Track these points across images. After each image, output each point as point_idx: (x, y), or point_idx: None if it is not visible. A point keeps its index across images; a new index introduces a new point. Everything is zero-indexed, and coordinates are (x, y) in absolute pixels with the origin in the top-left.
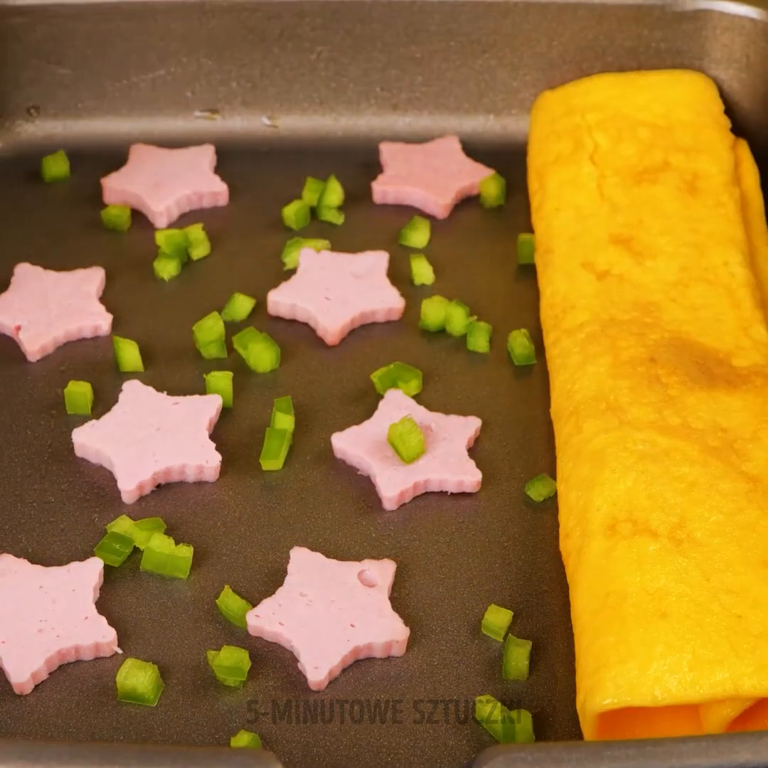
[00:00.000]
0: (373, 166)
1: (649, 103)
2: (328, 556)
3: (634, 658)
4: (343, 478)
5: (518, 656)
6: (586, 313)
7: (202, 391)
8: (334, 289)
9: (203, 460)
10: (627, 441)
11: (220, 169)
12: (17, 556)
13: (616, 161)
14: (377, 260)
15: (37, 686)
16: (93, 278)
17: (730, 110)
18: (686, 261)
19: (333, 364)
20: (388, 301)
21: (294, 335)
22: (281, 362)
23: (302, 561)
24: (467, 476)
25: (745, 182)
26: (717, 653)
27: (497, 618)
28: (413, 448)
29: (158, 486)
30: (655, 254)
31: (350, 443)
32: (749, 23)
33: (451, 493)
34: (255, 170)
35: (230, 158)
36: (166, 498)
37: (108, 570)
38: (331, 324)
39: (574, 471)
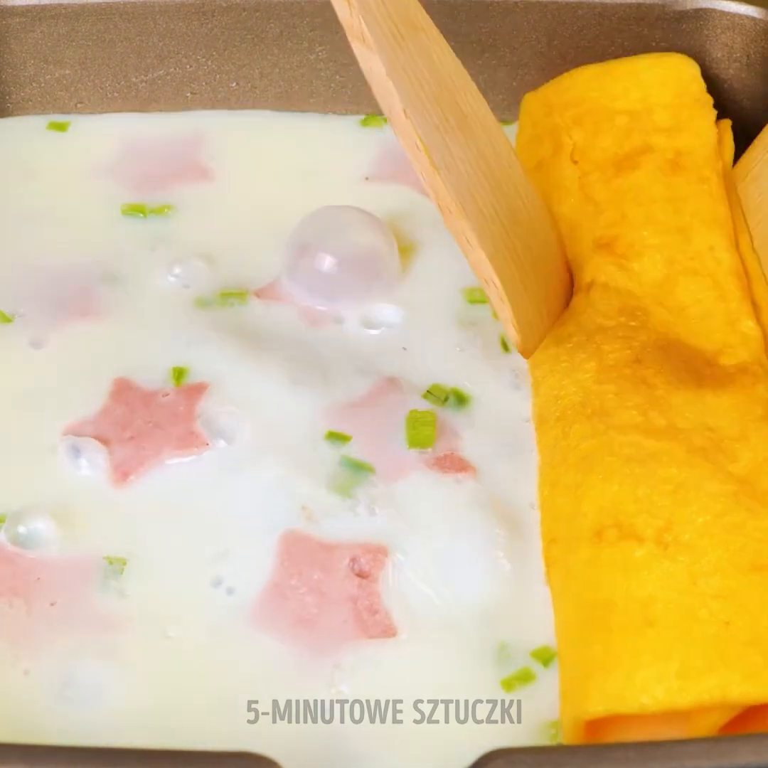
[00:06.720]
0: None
1: (626, 90)
2: (319, 540)
3: (621, 666)
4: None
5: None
6: (572, 326)
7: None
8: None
9: (194, 452)
10: (613, 445)
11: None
12: (13, 544)
13: (595, 155)
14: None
15: None
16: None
17: (730, 110)
18: (672, 252)
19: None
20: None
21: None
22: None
23: (293, 546)
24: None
25: (726, 160)
26: (705, 661)
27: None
28: (420, 440)
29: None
30: (639, 251)
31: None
32: (750, 22)
33: (443, 479)
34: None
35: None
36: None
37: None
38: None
39: (560, 476)
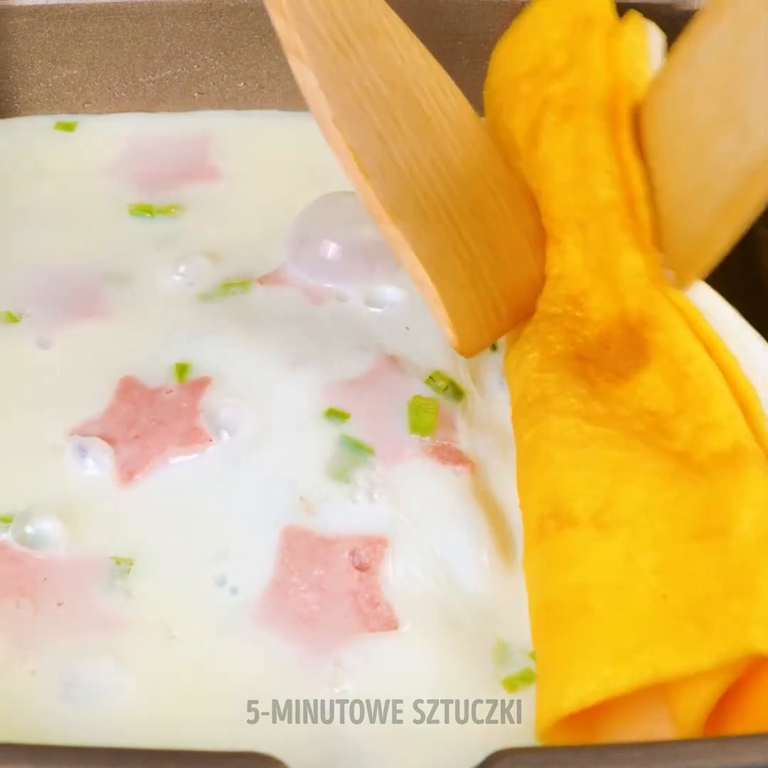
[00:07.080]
0: None
1: (528, 48)
2: (319, 534)
3: (560, 663)
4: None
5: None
6: (526, 324)
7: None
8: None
9: (197, 448)
10: (552, 429)
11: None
12: (20, 544)
13: (518, 143)
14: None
15: None
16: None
17: None
18: (577, 212)
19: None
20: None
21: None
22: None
23: (294, 541)
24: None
25: (623, 70)
26: (638, 640)
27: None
28: (422, 427)
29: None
30: (562, 228)
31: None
32: None
33: (442, 469)
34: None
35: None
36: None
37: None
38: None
39: (516, 476)
